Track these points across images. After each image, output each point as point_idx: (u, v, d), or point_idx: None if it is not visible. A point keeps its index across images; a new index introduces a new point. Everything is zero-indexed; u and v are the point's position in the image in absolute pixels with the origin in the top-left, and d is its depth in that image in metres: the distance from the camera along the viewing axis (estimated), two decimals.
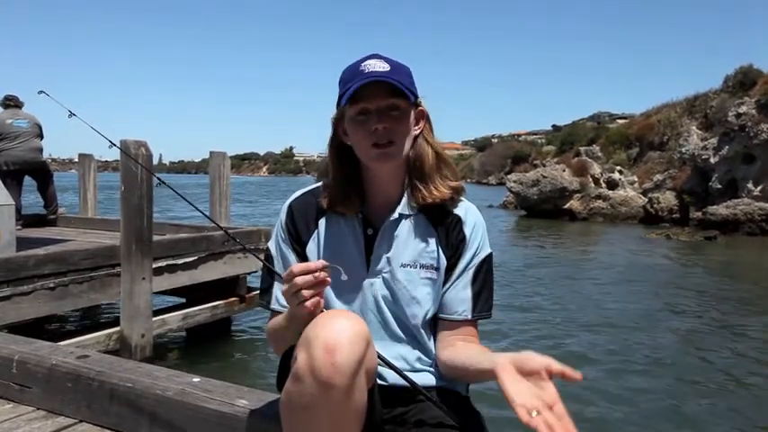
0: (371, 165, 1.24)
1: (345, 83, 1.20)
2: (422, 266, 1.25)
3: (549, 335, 6.27)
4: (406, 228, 1.26)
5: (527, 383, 0.91)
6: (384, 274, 1.25)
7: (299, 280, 1.03)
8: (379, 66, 1.18)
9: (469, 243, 1.26)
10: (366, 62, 1.20)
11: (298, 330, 1.09)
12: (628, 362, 5.42)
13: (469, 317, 1.25)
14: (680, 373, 5.16)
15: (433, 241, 1.26)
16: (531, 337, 6.18)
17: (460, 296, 1.25)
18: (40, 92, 2.58)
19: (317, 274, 1.03)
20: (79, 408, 1.71)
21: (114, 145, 2.28)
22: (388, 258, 1.25)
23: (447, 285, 1.26)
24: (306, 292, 1.03)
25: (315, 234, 1.29)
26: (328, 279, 1.05)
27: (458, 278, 1.25)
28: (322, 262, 1.05)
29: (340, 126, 1.26)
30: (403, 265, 1.24)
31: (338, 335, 0.97)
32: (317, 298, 1.05)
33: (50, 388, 1.76)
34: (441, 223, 1.27)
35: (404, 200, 1.27)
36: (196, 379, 1.61)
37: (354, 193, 1.26)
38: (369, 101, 1.18)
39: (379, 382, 1.17)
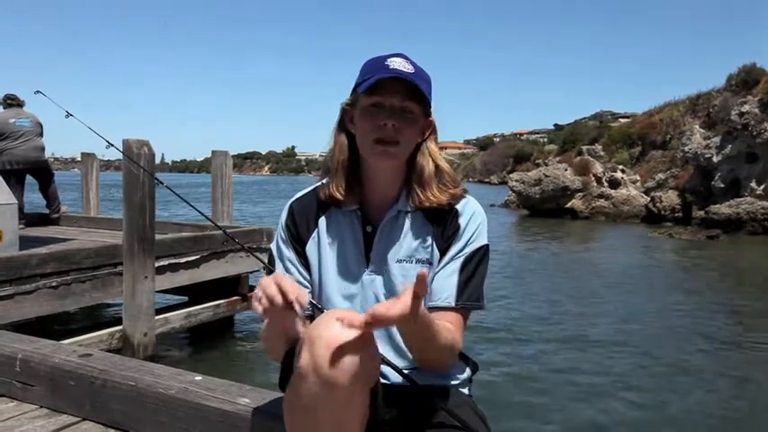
0: (370, 160, 1.24)
1: (367, 72, 1.21)
2: (417, 261, 1.25)
3: (550, 333, 6.26)
4: (404, 224, 1.27)
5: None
6: (383, 271, 1.25)
7: (273, 292, 0.98)
8: (404, 66, 1.19)
9: (463, 232, 1.25)
10: (392, 59, 1.20)
11: (275, 339, 1.11)
12: (629, 360, 5.42)
13: (453, 303, 1.22)
14: (682, 371, 5.15)
15: (429, 236, 1.26)
16: (531, 334, 6.17)
17: (445, 282, 1.23)
18: (37, 92, 2.58)
19: (280, 300, 0.97)
20: (82, 406, 1.72)
21: (112, 145, 2.28)
22: (386, 255, 1.26)
23: (435, 270, 1.25)
24: (265, 301, 0.99)
25: (315, 233, 1.30)
26: (298, 305, 0.98)
27: (446, 264, 1.24)
28: (298, 307, 0.99)
29: (348, 114, 1.26)
30: (399, 261, 1.25)
31: (341, 334, 0.97)
32: (265, 314, 1.00)
33: (53, 386, 1.77)
34: (438, 218, 1.27)
35: (402, 197, 1.27)
36: (198, 377, 1.62)
37: (355, 184, 1.27)
38: (385, 96, 1.19)
39: (381, 380, 1.17)
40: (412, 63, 1.22)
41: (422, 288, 0.97)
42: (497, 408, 4.09)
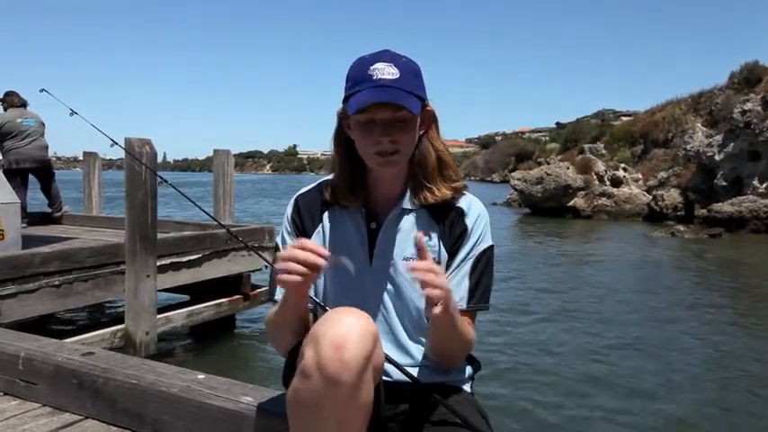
0: (374, 169, 1.25)
1: (353, 84, 1.19)
2: None
3: (552, 331, 6.26)
4: (408, 222, 1.27)
5: None
6: (387, 268, 1.25)
7: (299, 253, 1.04)
8: (388, 72, 1.16)
9: (470, 234, 1.26)
10: (375, 66, 1.17)
11: (288, 316, 1.11)
12: (631, 359, 5.41)
13: (464, 306, 1.24)
14: (684, 371, 5.14)
15: (435, 235, 1.26)
16: (534, 333, 6.17)
17: (458, 286, 1.24)
18: (42, 90, 2.60)
19: (312, 258, 1.03)
20: (85, 404, 1.72)
21: (116, 143, 2.29)
22: (391, 252, 1.26)
23: (446, 275, 1.25)
24: (293, 266, 1.03)
25: (320, 227, 1.30)
26: (320, 264, 1.04)
27: (456, 268, 1.25)
28: (327, 253, 1.05)
29: (345, 121, 1.26)
30: (405, 259, 1.25)
31: (346, 332, 0.98)
32: (296, 277, 1.03)
33: (56, 385, 1.77)
34: (443, 217, 1.27)
35: (407, 195, 1.28)
36: (201, 376, 1.62)
37: (359, 187, 1.27)
38: (375, 113, 1.17)
39: (383, 377, 1.17)
40: (395, 62, 1.18)
41: (423, 253, 1.08)
42: (499, 405, 4.10)
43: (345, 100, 1.21)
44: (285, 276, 1.04)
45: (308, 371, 0.98)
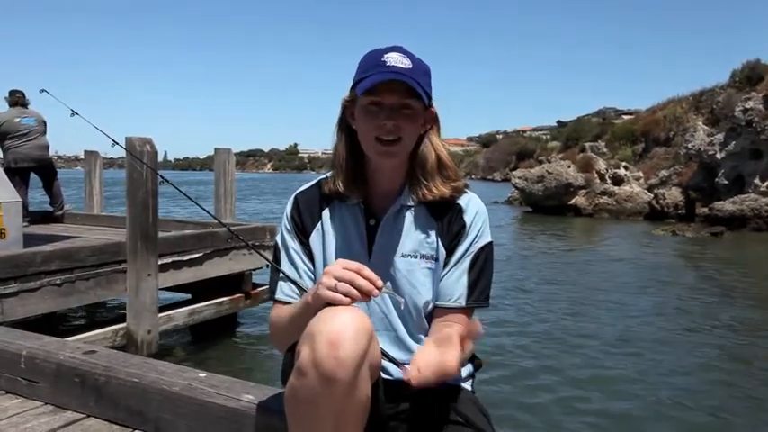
0: (373, 158, 1.25)
1: (365, 70, 1.20)
2: (422, 257, 1.25)
3: (553, 330, 6.26)
4: (407, 219, 1.28)
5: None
6: (385, 265, 1.25)
7: (359, 279, 1.02)
8: (401, 61, 1.19)
9: (469, 230, 1.26)
10: (389, 54, 1.20)
11: (304, 321, 1.09)
12: (632, 358, 5.41)
13: (464, 304, 1.24)
14: (685, 370, 5.14)
15: (433, 232, 1.27)
16: (534, 331, 6.17)
17: (456, 282, 1.25)
18: (42, 90, 2.59)
19: (368, 286, 1.02)
20: (86, 403, 1.73)
21: (116, 143, 2.28)
22: (389, 249, 1.26)
23: (444, 271, 1.26)
24: (351, 289, 1.02)
25: (319, 225, 1.30)
26: (374, 295, 1.03)
27: (455, 264, 1.26)
28: (381, 283, 1.05)
29: (349, 109, 1.27)
30: (403, 255, 1.25)
31: (341, 329, 0.98)
32: (348, 300, 1.02)
33: (58, 383, 1.78)
34: (442, 214, 1.27)
35: (405, 191, 1.28)
36: (202, 374, 1.63)
37: (359, 177, 1.28)
38: (384, 96, 1.18)
39: (384, 376, 1.17)
40: (409, 56, 1.21)
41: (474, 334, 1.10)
42: (500, 404, 4.10)
43: (354, 86, 1.22)
44: (338, 296, 1.02)
45: (304, 368, 0.99)
